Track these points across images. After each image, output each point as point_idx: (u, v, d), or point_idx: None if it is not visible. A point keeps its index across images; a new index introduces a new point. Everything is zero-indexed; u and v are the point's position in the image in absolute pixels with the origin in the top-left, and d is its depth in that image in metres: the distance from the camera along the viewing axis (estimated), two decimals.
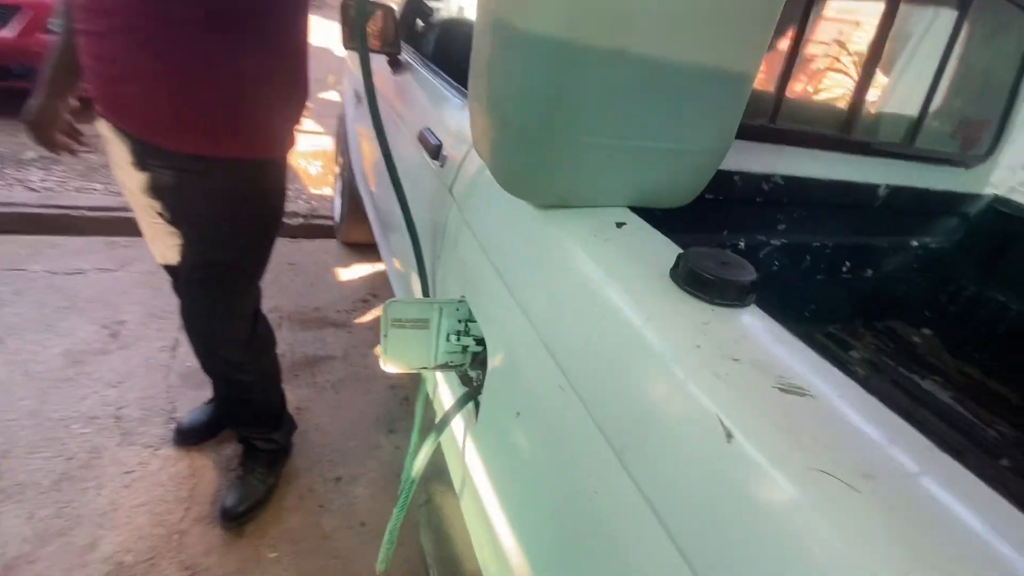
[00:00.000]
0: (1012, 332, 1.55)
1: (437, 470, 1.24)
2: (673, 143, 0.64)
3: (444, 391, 1.07)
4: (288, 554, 1.42)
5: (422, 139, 1.24)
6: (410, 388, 2.03)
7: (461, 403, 0.89)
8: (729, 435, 0.38)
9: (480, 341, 0.96)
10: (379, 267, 2.76)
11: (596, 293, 0.56)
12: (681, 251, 0.55)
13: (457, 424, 0.98)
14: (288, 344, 2.12)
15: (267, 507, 1.50)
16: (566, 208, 0.69)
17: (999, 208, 1.60)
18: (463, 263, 0.94)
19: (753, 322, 0.49)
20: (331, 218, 3.04)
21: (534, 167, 0.63)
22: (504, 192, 0.68)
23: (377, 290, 2.59)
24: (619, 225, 0.64)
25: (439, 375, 1.10)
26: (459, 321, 0.94)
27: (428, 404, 1.20)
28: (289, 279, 2.54)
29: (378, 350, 0.90)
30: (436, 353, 0.96)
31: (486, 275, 0.83)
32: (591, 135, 0.60)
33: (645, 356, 0.48)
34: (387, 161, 0.98)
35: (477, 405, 0.90)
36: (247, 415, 1.45)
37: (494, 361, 0.79)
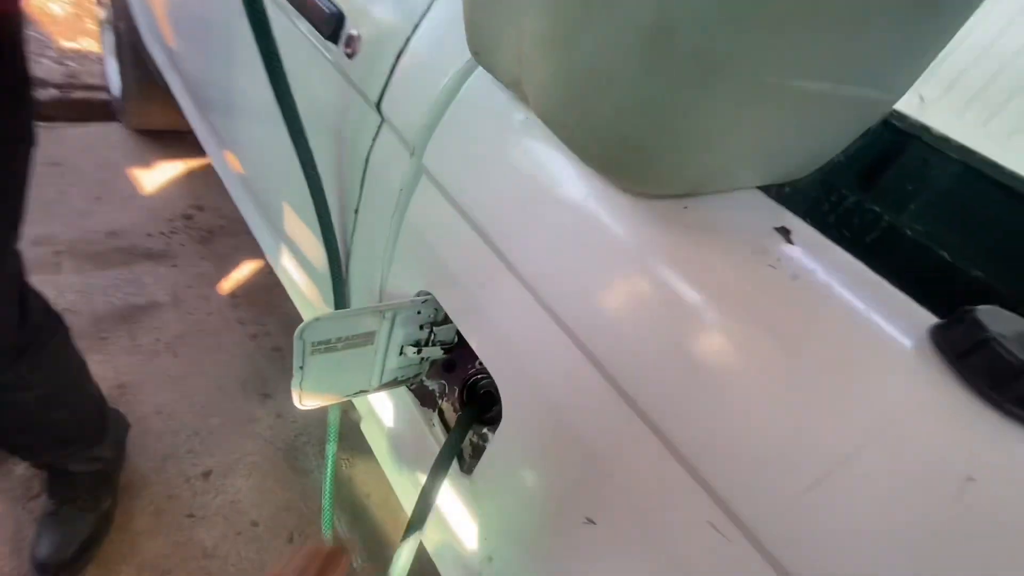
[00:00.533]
0: (878, 240, 1.72)
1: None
2: (871, 88, 0.38)
3: (387, 414, 0.77)
4: None
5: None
6: (284, 339, 1.61)
7: (450, 453, 0.60)
8: None
9: (448, 346, 0.66)
10: (202, 163, 2.04)
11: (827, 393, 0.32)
12: (958, 311, 0.33)
13: (417, 459, 0.71)
14: (79, 293, 1.49)
15: (107, 541, 1.09)
16: (675, 197, 0.40)
17: (890, 120, 1.67)
18: (424, 240, 0.60)
19: None
20: (105, 89, 2.11)
21: (675, 134, 0.32)
22: (539, 140, 0.36)
23: (203, 199, 1.94)
24: (785, 235, 0.38)
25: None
26: (421, 327, 0.63)
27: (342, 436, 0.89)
28: (57, 190, 1.74)
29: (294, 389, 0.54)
30: (380, 372, 0.65)
31: (486, 269, 0.52)
32: (783, 73, 0.31)
33: None
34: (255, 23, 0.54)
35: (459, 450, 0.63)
36: (45, 441, 0.96)
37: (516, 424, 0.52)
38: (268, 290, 1.70)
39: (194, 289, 1.64)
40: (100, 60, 2.19)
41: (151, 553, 1.12)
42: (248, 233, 1.33)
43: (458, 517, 0.68)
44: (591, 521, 0.46)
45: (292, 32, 0.77)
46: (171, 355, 1.46)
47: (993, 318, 0.32)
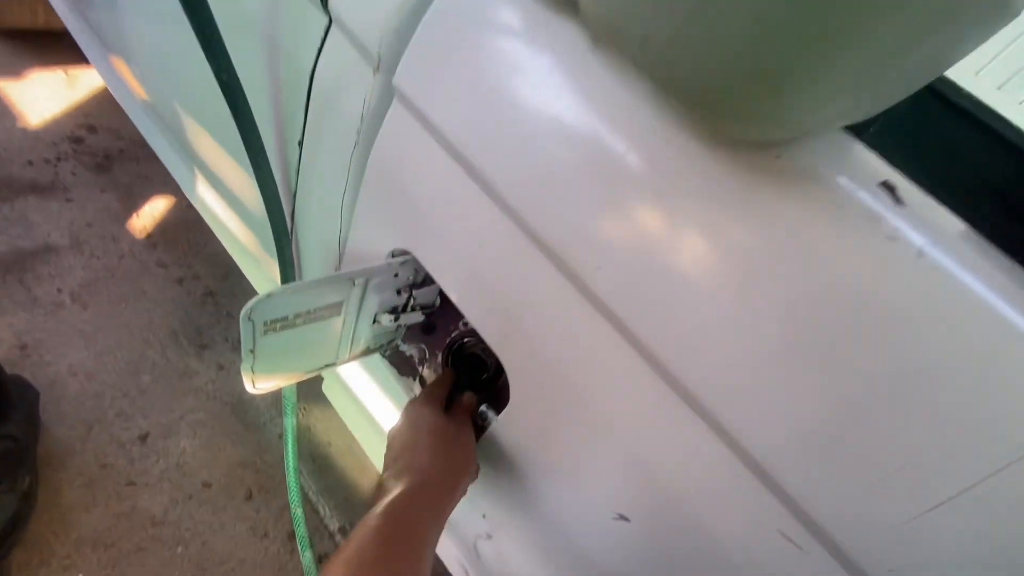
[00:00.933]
0: None
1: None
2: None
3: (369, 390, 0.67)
4: (102, 572, 0.98)
5: None
6: (216, 281, 1.43)
7: None
8: None
9: (429, 309, 0.57)
10: (76, 75, 1.68)
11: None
12: None
13: None
14: None
15: (33, 521, 0.97)
16: (766, 143, 0.30)
17: None
18: (398, 184, 0.47)
19: None
20: None
21: (821, 58, 0.22)
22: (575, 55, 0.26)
23: (94, 116, 1.61)
24: (892, 194, 0.30)
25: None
26: (398, 292, 0.52)
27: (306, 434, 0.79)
28: None
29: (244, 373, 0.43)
30: (350, 344, 0.55)
31: (487, 223, 0.41)
32: None
33: None
34: None
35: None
36: None
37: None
38: (191, 226, 1.48)
39: (96, 228, 1.39)
40: None
41: (88, 527, 1.02)
42: (157, 158, 1.11)
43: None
44: (623, 518, 0.41)
45: None
46: (79, 307, 1.26)
47: None
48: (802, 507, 0.30)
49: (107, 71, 1.10)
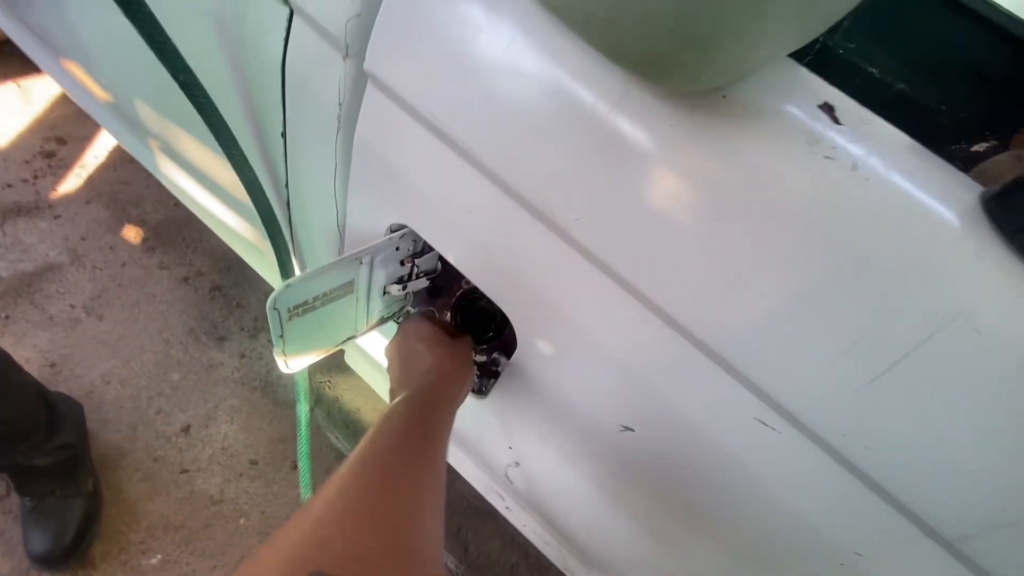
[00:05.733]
0: (812, 64, 1.69)
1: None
2: None
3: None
4: (177, 551, 1.09)
5: None
6: (220, 275, 1.46)
7: None
8: None
9: (432, 274, 0.61)
10: (38, 84, 1.63)
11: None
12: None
13: None
14: None
15: (105, 517, 1.07)
16: (704, 89, 0.33)
17: None
18: (386, 164, 0.51)
19: None
20: None
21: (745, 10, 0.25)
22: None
23: (60, 127, 1.58)
24: (831, 114, 0.34)
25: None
26: (402, 263, 0.57)
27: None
28: None
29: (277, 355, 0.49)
30: (366, 316, 0.60)
31: (473, 192, 0.45)
32: None
33: None
34: None
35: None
36: None
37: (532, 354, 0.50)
38: (183, 224, 1.49)
39: (91, 240, 1.41)
40: None
41: (155, 514, 1.11)
42: (135, 161, 1.11)
43: (476, 433, 0.69)
44: (629, 428, 0.47)
45: None
46: (95, 319, 1.30)
47: None
48: (772, 395, 0.36)
49: (62, 77, 1.07)
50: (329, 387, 1.41)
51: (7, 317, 1.24)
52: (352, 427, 1.38)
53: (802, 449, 0.37)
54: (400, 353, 0.55)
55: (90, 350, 1.25)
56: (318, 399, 1.33)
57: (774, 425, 0.37)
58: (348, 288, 0.54)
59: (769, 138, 0.33)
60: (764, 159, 0.33)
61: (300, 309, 0.51)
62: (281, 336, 0.51)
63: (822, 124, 0.33)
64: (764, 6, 0.23)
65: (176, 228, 1.49)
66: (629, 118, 0.35)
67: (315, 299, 0.51)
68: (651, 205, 0.36)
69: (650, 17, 0.24)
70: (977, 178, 0.35)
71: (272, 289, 0.48)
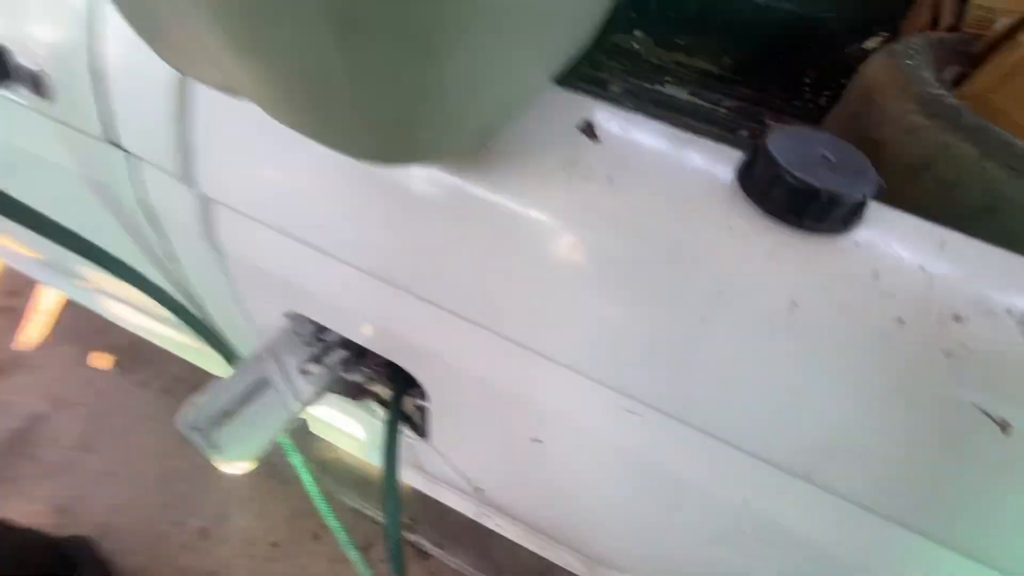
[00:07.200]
0: (699, 11, 1.71)
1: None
2: None
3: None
4: None
5: None
6: (197, 375, 1.49)
7: (392, 441, 0.62)
8: None
9: (346, 344, 0.64)
10: None
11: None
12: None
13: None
14: None
15: None
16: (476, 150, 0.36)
17: None
18: (256, 265, 0.54)
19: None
20: None
21: (445, 102, 0.28)
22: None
23: (11, 283, 1.62)
24: (589, 133, 0.37)
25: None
26: (308, 344, 0.60)
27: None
28: None
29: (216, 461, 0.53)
30: (298, 399, 0.63)
31: (325, 272, 0.49)
32: None
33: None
34: None
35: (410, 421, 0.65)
36: None
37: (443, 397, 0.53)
38: (142, 339, 1.53)
39: (66, 380, 1.45)
40: None
41: None
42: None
43: (439, 469, 0.72)
44: (538, 440, 0.50)
45: None
46: (91, 455, 1.34)
47: (783, 144, 0.34)
48: (628, 388, 0.39)
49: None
50: (329, 450, 1.44)
51: (8, 477, 1.28)
52: (361, 483, 1.42)
53: (665, 426, 0.40)
54: None
55: (93, 486, 1.29)
56: (321, 465, 1.36)
57: (638, 411, 0.41)
58: (264, 383, 0.57)
59: (530, 179, 0.36)
60: (528, 202, 0.37)
61: (223, 418, 0.54)
62: (215, 447, 0.55)
63: (581, 146, 0.36)
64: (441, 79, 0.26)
65: (141, 343, 1.52)
66: (418, 181, 0.39)
67: (231, 406, 0.54)
68: (451, 257, 0.40)
69: (354, 132, 0.27)
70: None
71: None
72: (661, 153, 0.36)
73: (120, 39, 0.46)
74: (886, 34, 1.35)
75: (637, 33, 1.86)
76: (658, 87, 1.58)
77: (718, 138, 0.37)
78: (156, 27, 0.32)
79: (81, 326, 1.55)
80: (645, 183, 0.35)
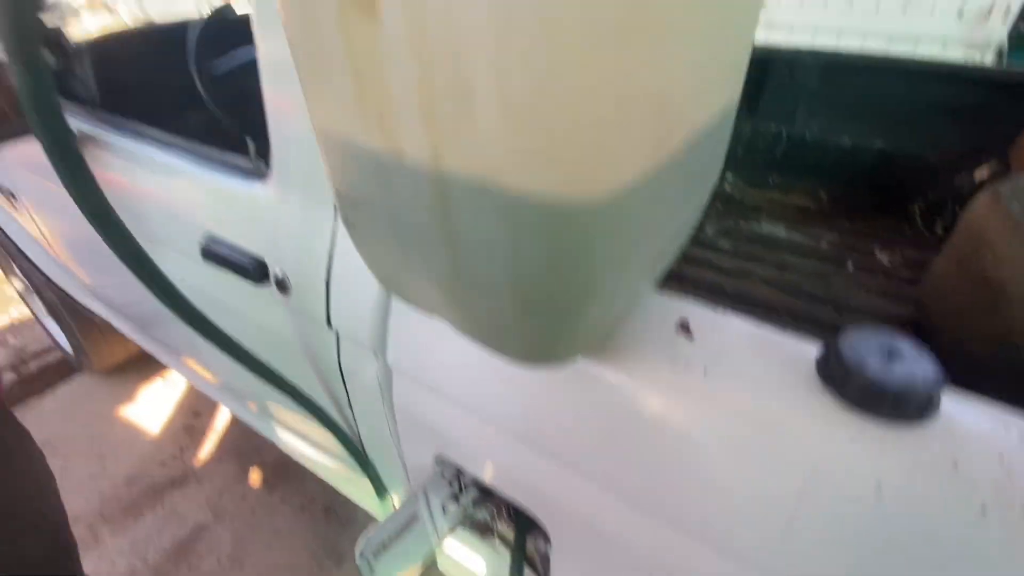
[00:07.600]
0: (787, 153, 1.85)
1: None
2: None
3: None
4: None
5: (217, 255, 0.82)
6: (328, 497, 1.66)
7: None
8: None
9: (481, 487, 0.75)
10: (171, 377, 2.09)
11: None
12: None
13: None
14: (128, 553, 1.52)
15: None
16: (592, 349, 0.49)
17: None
18: (418, 419, 0.68)
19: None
20: (56, 348, 2.14)
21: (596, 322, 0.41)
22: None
23: (194, 404, 1.98)
24: (686, 332, 0.48)
25: None
26: (450, 484, 0.71)
27: None
28: (59, 466, 1.76)
29: None
30: (437, 532, 0.73)
31: (474, 430, 0.61)
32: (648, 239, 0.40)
33: None
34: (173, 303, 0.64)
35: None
36: None
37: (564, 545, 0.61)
38: (291, 460, 1.75)
39: (227, 494, 1.68)
40: (36, 324, 2.22)
41: None
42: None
43: None
44: None
45: (232, 281, 0.84)
46: (237, 568, 1.50)
47: (855, 342, 0.42)
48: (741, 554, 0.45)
49: (185, 371, 1.43)
50: None
51: None
52: None
53: None
54: None
55: None
56: None
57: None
58: (415, 518, 0.69)
59: (645, 376, 0.47)
60: (639, 386, 0.47)
61: (383, 548, 0.66)
62: (373, 573, 0.66)
63: (680, 344, 0.47)
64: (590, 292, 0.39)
65: (288, 464, 1.75)
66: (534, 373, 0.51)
67: (390, 538, 0.66)
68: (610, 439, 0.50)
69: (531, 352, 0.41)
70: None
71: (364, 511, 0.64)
72: (745, 345, 0.46)
73: (347, 265, 0.68)
74: (995, 160, 1.34)
75: (728, 176, 2.01)
76: (754, 225, 1.67)
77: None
78: (392, 280, 0.50)
79: (242, 445, 1.82)
80: (737, 372, 0.44)
